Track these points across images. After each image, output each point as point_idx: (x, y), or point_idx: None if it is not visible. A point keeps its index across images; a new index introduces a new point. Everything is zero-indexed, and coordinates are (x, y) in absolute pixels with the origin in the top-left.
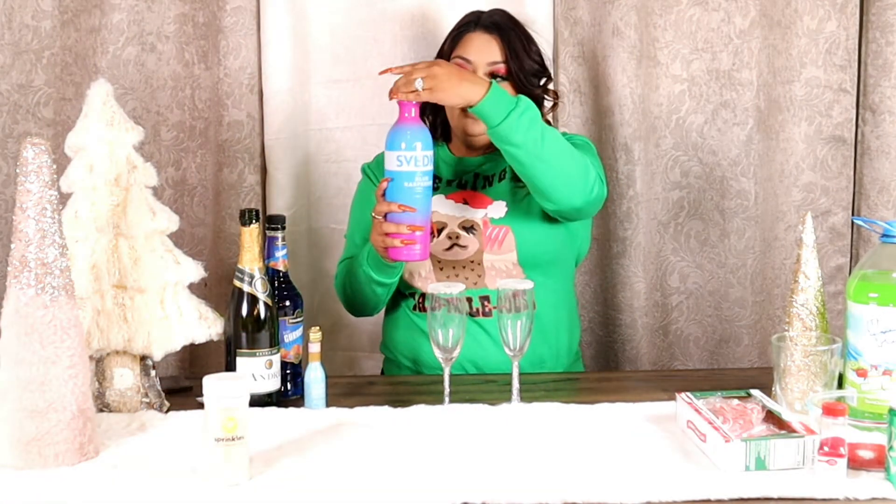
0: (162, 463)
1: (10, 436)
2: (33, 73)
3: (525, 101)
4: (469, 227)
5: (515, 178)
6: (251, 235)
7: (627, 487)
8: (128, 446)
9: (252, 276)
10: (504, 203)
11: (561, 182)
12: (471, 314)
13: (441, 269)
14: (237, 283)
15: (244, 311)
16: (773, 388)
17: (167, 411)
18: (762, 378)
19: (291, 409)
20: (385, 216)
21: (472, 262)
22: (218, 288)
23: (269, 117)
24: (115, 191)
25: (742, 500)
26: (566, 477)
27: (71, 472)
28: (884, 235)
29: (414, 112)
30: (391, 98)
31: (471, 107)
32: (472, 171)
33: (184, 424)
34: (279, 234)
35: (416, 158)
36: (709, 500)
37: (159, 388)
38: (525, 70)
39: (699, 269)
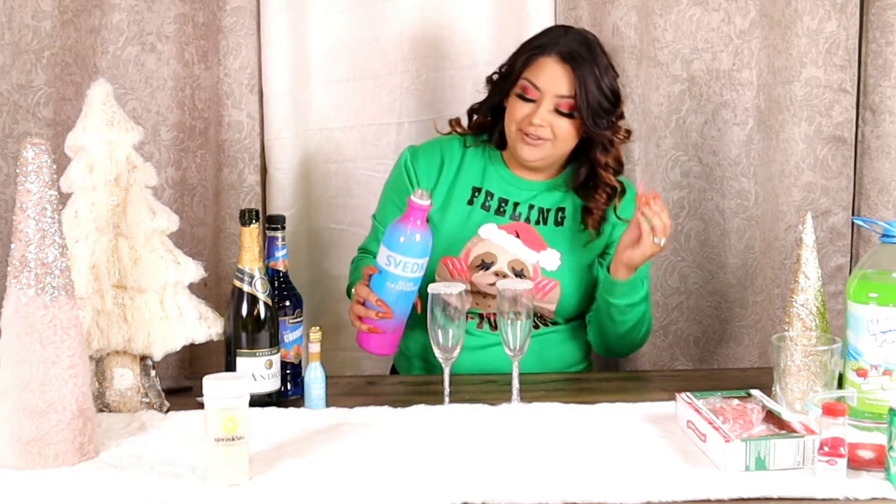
0: (162, 463)
1: (10, 436)
2: (33, 73)
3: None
4: (519, 272)
5: (574, 225)
6: (251, 235)
7: (627, 487)
8: (128, 446)
9: (252, 276)
10: (558, 254)
11: (628, 348)
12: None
13: (474, 292)
14: (237, 283)
15: (244, 311)
16: (773, 388)
17: (167, 411)
18: (762, 378)
19: (291, 409)
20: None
21: None
22: (218, 288)
23: (269, 117)
24: (115, 191)
25: (742, 500)
26: (566, 477)
27: (71, 472)
28: (884, 235)
29: (421, 220)
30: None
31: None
32: (528, 200)
33: (184, 424)
34: (279, 234)
35: (405, 264)
36: (709, 500)
37: (159, 388)
38: (591, 107)
39: (699, 269)
